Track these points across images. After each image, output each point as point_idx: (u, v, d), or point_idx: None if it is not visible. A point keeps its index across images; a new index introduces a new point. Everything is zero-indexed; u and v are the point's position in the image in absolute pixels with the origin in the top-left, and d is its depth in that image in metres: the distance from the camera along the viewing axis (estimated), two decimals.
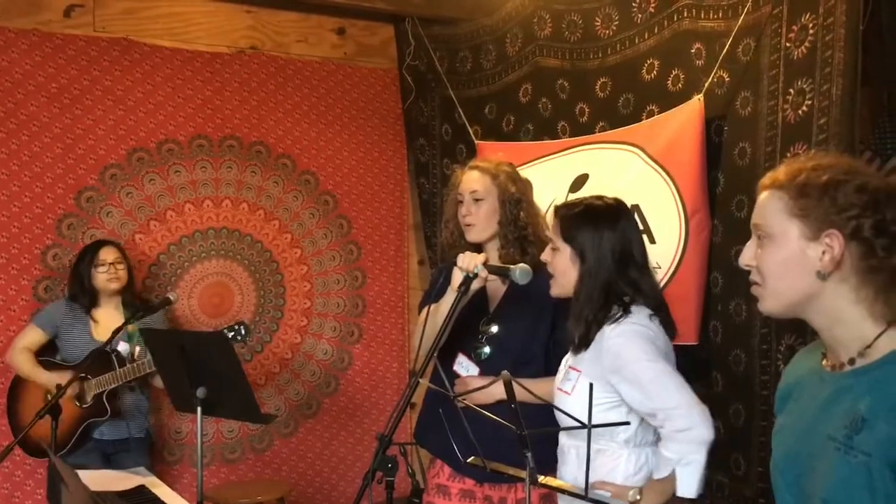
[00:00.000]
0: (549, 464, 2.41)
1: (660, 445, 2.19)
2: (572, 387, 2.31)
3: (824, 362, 1.51)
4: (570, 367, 2.36)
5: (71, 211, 4.14)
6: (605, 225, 2.30)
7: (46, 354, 3.81)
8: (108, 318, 3.79)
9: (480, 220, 2.74)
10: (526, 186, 2.85)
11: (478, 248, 2.76)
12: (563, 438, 2.39)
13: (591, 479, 2.18)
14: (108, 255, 3.81)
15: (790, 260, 1.45)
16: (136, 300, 3.90)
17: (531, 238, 2.73)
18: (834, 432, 1.39)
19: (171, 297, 3.72)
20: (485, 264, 2.49)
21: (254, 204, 4.53)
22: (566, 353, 2.45)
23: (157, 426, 4.25)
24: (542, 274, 2.48)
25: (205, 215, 4.43)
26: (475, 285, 2.49)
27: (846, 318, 1.42)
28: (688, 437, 2.13)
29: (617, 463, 2.28)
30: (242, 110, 4.49)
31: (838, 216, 1.40)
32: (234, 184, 4.48)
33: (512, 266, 2.45)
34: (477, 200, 2.75)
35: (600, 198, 2.40)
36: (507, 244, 2.74)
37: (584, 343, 2.29)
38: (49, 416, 3.62)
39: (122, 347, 3.70)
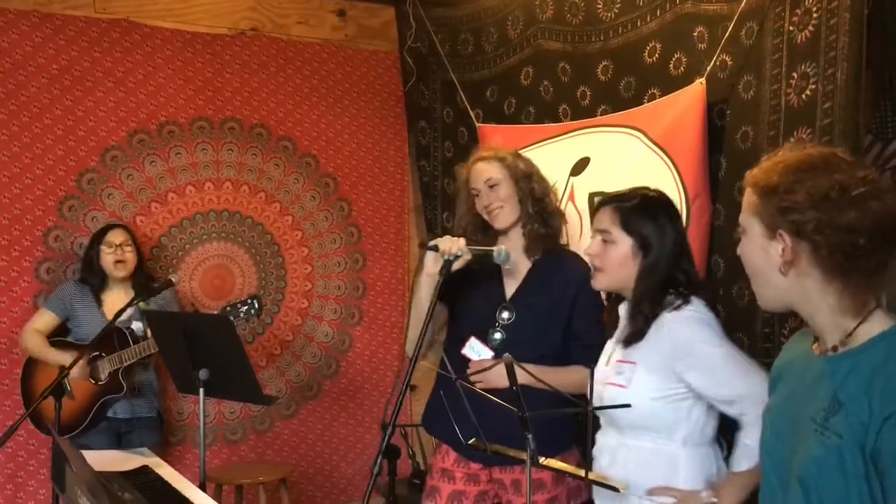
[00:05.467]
0: (553, 445, 2.43)
1: (740, 435, 2.09)
2: (628, 379, 2.19)
3: (814, 346, 1.55)
4: (618, 361, 2.24)
5: (72, 193, 4.15)
6: (664, 217, 2.24)
7: (61, 335, 3.85)
8: (117, 301, 3.80)
9: (505, 202, 2.76)
10: (530, 162, 2.88)
11: (504, 233, 2.79)
12: (609, 438, 2.28)
13: (649, 484, 2.13)
14: (115, 237, 3.85)
15: (757, 255, 1.53)
16: (150, 282, 3.92)
17: (549, 209, 2.77)
18: (814, 413, 1.45)
19: (173, 279, 3.73)
20: (467, 246, 2.57)
21: (255, 186, 4.53)
22: (583, 344, 2.46)
23: (161, 407, 4.28)
24: (567, 263, 2.50)
25: (206, 197, 4.43)
26: (457, 265, 2.56)
27: (821, 310, 1.48)
28: None
29: (676, 465, 2.17)
30: (243, 92, 4.48)
31: (781, 217, 1.46)
32: (235, 166, 4.48)
33: (494, 248, 2.52)
34: (493, 186, 2.76)
35: (648, 188, 2.33)
36: (529, 220, 2.76)
37: (638, 336, 2.20)
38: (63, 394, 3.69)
39: (136, 326, 3.74)
